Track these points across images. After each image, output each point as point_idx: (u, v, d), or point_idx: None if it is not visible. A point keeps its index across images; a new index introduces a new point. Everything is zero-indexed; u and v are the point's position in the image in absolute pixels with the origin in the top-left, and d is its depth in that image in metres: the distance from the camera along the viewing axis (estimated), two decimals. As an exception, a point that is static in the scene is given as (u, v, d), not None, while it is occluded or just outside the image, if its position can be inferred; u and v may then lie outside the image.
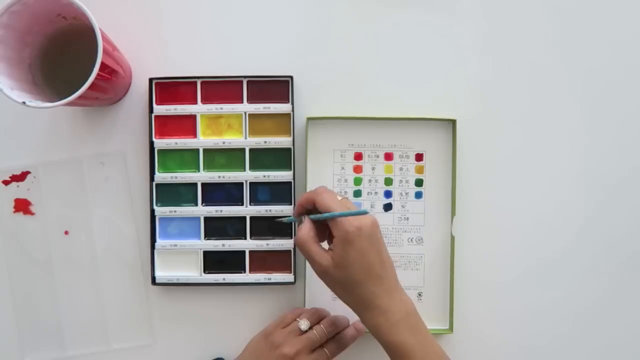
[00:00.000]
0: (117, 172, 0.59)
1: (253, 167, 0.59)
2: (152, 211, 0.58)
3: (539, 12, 0.59)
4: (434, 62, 0.59)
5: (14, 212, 0.59)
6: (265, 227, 0.58)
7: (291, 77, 0.58)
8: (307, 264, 0.57)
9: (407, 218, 0.59)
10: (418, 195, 0.59)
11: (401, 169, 0.59)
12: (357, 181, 0.59)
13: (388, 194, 0.59)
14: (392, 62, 0.59)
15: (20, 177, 0.59)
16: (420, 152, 0.59)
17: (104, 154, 0.59)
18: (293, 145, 0.58)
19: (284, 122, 0.58)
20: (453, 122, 0.58)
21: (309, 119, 0.57)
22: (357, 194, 0.59)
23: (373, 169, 0.59)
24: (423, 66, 0.59)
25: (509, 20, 0.59)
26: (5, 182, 0.59)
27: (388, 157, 0.59)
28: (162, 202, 0.59)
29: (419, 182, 0.59)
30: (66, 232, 0.59)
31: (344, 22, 0.59)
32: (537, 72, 0.59)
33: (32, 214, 0.59)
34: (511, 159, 0.59)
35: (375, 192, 0.59)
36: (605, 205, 0.59)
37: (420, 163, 0.59)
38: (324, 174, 0.59)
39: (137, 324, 0.59)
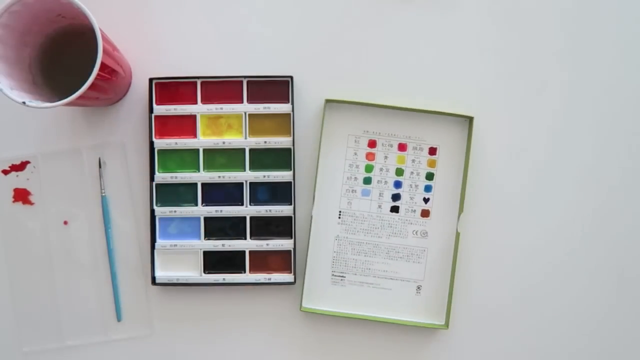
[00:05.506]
0: (117, 173, 0.59)
1: (253, 167, 0.59)
2: (152, 211, 0.58)
3: (565, 11, 0.59)
4: (454, 57, 0.59)
5: (13, 201, 0.59)
6: (266, 227, 0.59)
7: (291, 77, 0.58)
8: (308, 258, 0.57)
9: (414, 210, 0.59)
10: (427, 188, 0.59)
11: (413, 161, 0.59)
12: (369, 168, 0.59)
13: (398, 184, 0.59)
14: (411, 54, 0.59)
15: (20, 167, 0.59)
16: (434, 146, 0.59)
17: (104, 154, 0.59)
18: (293, 145, 0.58)
19: (284, 122, 0.58)
20: (470, 119, 0.57)
21: (327, 100, 0.57)
22: (367, 181, 0.59)
23: (385, 157, 0.59)
24: (442, 60, 0.59)
25: (532, 20, 0.59)
26: (5, 172, 0.59)
27: (402, 147, 0.59)
28: (162, 202, 0.59)
29: (429, 176, 0.59)
30: (65, 222, 0.59)
31: (343, 10, 0.59)
32: (562, 83, 0.59)
33: (32, 203, 0.59)
34: (525, 160, 0.59)
35: (385, 182, 0.59)
36: (619, 208, 0.59)
37: (433, 157, 0.59)
38: (337, 157, 0.58)
39: (137, 324, 0.59)
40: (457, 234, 0.58)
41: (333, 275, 0.59)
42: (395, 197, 0.59)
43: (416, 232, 0.59)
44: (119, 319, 0.59)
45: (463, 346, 0.59)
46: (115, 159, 0.59)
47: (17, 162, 0.59)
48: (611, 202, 0.59)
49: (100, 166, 0.59)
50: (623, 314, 0.59)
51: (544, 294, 0.59)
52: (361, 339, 0.59)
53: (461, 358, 0.59)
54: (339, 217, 0.59)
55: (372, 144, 0.59)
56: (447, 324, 0.58)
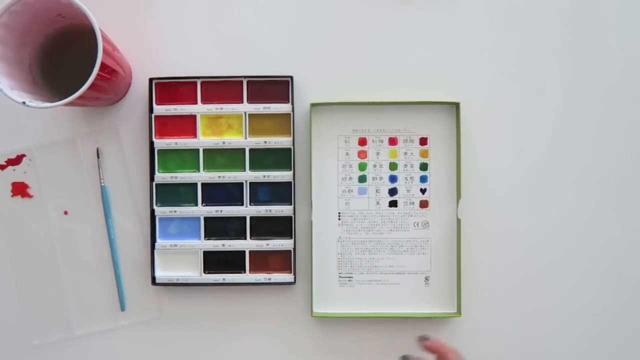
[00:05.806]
0: (117, 173, 0.59)
1: (253, 167, 0.59)
2: (152, 211, 0.58)
3: (563, 11, 0.59)
4: (436, 45, 0.59)
5: (12, 196, 0.59)
6: (266, 227, 0.59)
7: (291, 77, 0.58)
8: (313, 263, 0.57)
9: (413, 202, 0.59)
10: (423, 179, 0.59)
11: (405, 153, 0.59)
12: (362, 166, 0.59)
13: (393, 179, 0.59)
14: (395, 47, 0.59)
15: (16, 161, 0.59)
16: (425, 136, 0.59)
17: (104, 154, 0.59)
18: (293, 145, 0.58)
19: (284, 122, 0.58)
20: (456, 105, 0.58)
21: (312, 105, 0.57)
22: (362, 179, 0.59)
23: (377, 154, 0.59)
24: (425, 50, 0.59)
25: (530, 20, 0.59)
26: (2, 167, 0.59)
27: (392, 141, 0.59)
28: (162, 202, 0.59)
29: (423, 166, 0.59)
30: (66, 213, 0.59)
31: (342, 10, 0.59)
32: (541, 53, 0.59)
33: (30, 196, 0.59)
34: (515, 141, 0.59)
35: (380, 177, 0.59)
36: (617, 195, 0.59)
37: (425, 147, 0.59)
38: (329, 159, 0.59)
39: (142, 311, 0.59)
40: (458, 221, 0.58)
41: (340, 277, 0.59)
42: (392, 191, 0.59)
43: (417, 224, 0.59)
44: (122, 308, 0.59)
45: (478, 331, 0.58)
46: (114, 158, 0.59)
47: (13, 156, 0.59)
48: (610, 191, 0.59)
49: (98, 156, 0.59)
50: (628, 293, 0.59)
51: (550, 270, 0.59)
52: (373, 337, 0.58)
53: (477, 344, 0.58)
54: (339, 219, 0.59)
55: (362, 141, 0.59)
56: (459, 312, 0.57)
